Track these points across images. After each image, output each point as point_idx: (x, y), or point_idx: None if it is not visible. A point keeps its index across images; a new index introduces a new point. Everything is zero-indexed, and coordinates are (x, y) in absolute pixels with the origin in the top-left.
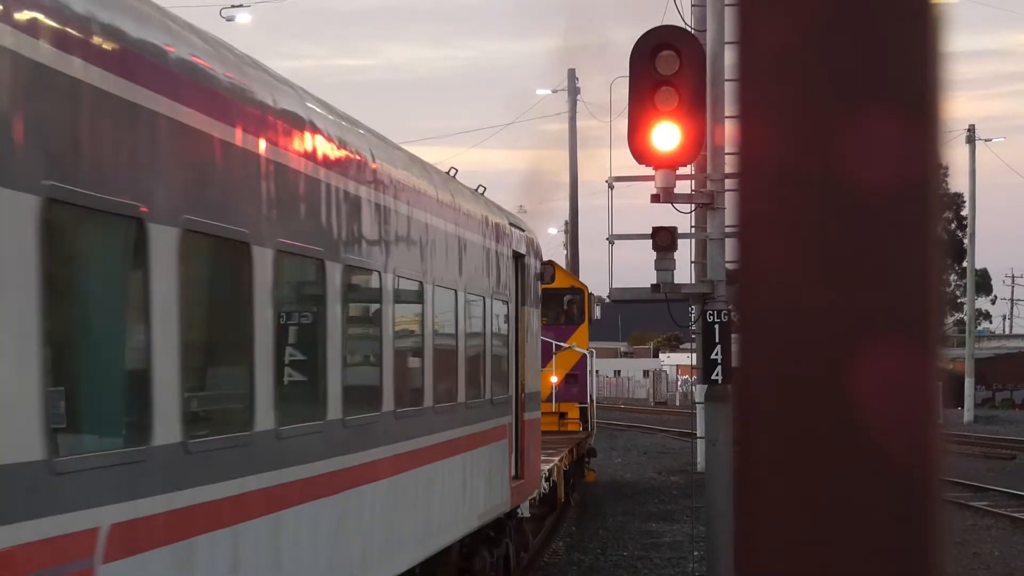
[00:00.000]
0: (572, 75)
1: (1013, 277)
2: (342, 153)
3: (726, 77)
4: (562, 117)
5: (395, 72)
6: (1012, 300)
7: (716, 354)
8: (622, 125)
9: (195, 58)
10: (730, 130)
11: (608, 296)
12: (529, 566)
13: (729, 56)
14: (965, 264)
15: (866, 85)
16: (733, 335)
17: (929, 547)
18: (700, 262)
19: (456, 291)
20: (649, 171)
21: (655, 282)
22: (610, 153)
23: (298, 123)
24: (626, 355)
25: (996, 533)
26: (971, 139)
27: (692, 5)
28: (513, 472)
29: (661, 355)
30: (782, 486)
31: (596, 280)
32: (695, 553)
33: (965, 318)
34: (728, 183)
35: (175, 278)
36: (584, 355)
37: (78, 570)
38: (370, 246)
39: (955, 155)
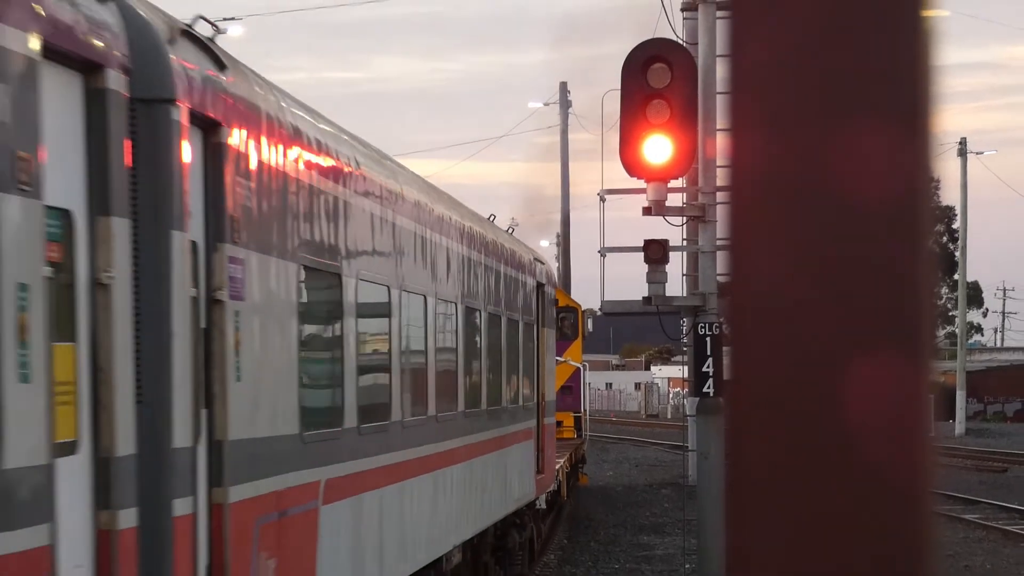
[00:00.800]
0: (564, 88)
1: (1004, 290)
2: (437, 215)
3: (718, 90)
4: (554, 130)
5: (386, 84)
6: (1004, 313)
7: (708, 367)
8: (614, 138)
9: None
10: (722, 143)
11: (600, 309)
12: (542, 551)
13: (721, 69)
14: (956, 277)
15: (857, 98)
16: (725, 348)
17: (920, 559)
18: (692, 275)
19: (500, 316)
20: (641, 184)
21: (647, 295)
22: (602, 166)
23: (416, 202)
24: (618, 368)
25: (987, 546)
26: (963, 152)
27: (684, 18)
28: (536, 468)
29: (653, 368)
30: (774, 499)
31: (588, 293)
32: (687, 566)
33: (957, 331)
34: (720, 196)
35: (390, 317)
36: (578, 368)
37: (311, 508)
38: (450, 286)
39: (946, 168)
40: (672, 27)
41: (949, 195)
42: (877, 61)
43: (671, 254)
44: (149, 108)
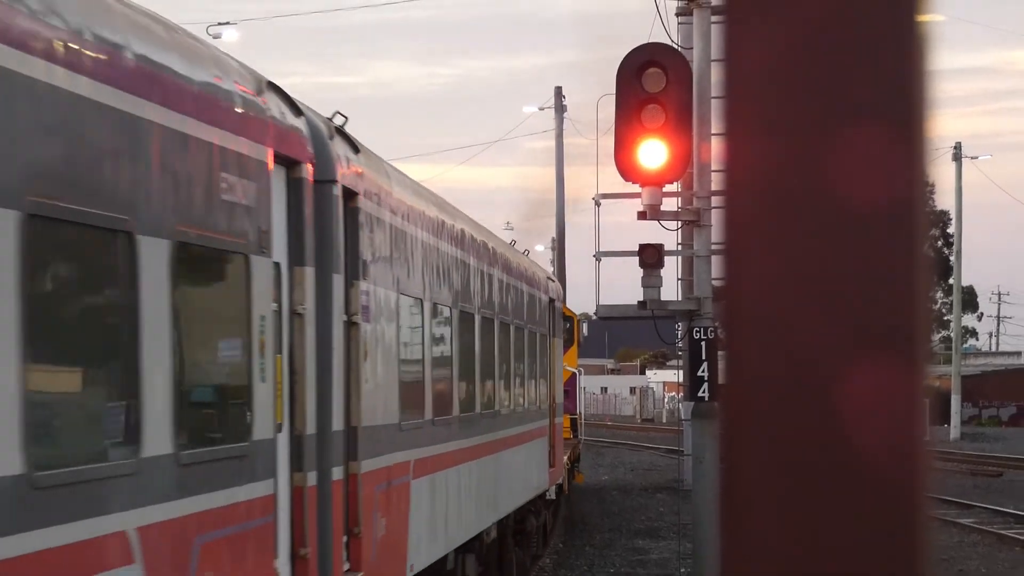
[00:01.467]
0: (559, 93)
1: (999, 294)
2: (482, 245)
3: (713, 94)
4: (549, 135)
5: (381, 89)
6: (999, 317)
7: (703, 371)
8: (609, 143)
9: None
10: (717, 147)
11: (595, 313)
12: (547, 540)
13: (716, 73)
14: (951, 281)
15: (852, 103)
16: (720, 352)
17: (915, 564)
18: (687, 279)
19: (524, 329)
20: (636, 188)
21: (642, 299)
22: (597, 170)
23: (471, 237)
24: (613, 372)
25: (982, 550)
26: (957, 157)
27: (679, 23)
28: (549, 462)
29: (648, 372)
30: (768, 503)
31: (583, 297)
32: (682, 570)
33: (952, 335)
34: (715, 200)
35: (451, 331)
36: (574, 373)
37: (406, 481)
38: (490, 305)
39: (941, 173)
40: (667, 32)
41: (944, 200)
42: (872, 65)
43: (666, 258)
44: (321, 187)
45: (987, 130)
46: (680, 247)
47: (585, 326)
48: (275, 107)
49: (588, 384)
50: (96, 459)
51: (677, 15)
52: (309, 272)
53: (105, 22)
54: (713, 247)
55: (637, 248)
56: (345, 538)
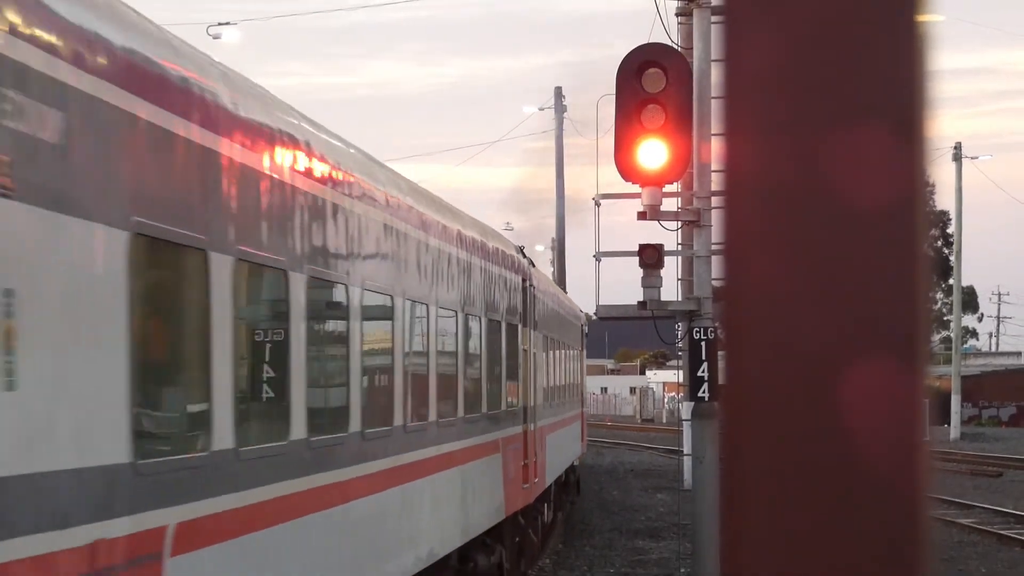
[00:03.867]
0: (559, 93)
1: (999, 295)
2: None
3: (712, 94)
4: (549, 135)
5: (380, 89)
6: (999, 318)
7: (703, 371)
8: (609, 143)
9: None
10: (717, 148)
11: (595, 313)
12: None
13: (715, 73)
14: (951, 282)
15: (852, 103)
16: (720, 352)
17: (915, 564)
18: (687, 279)
19: (561, 344)
20: (636, 188)
21: (642, 299)
22: (596, 171)
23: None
24: (613, 372)
25: (982, 550)
26: (958, 157)
27: (679, 23)
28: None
29: (648, 372)
30: (768, 503)
31: (583, 297)
32: (682, 570)
33: (952, 335)
34: (715, 200)
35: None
36: None
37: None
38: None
39: (941, 173)
40: (667, 32)
41: (944, 200)
42: (872, 66)
43: (666, 258)
44: (528, 287)
45: (987, 130)
46: (680, 247)
47: (585, 327)
48: (517, 253)
49: (588, 384)
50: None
51: (677, 15)
52: (520, 328)
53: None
54: (713, 247)
55: (637, 248)
56: (524, 462)
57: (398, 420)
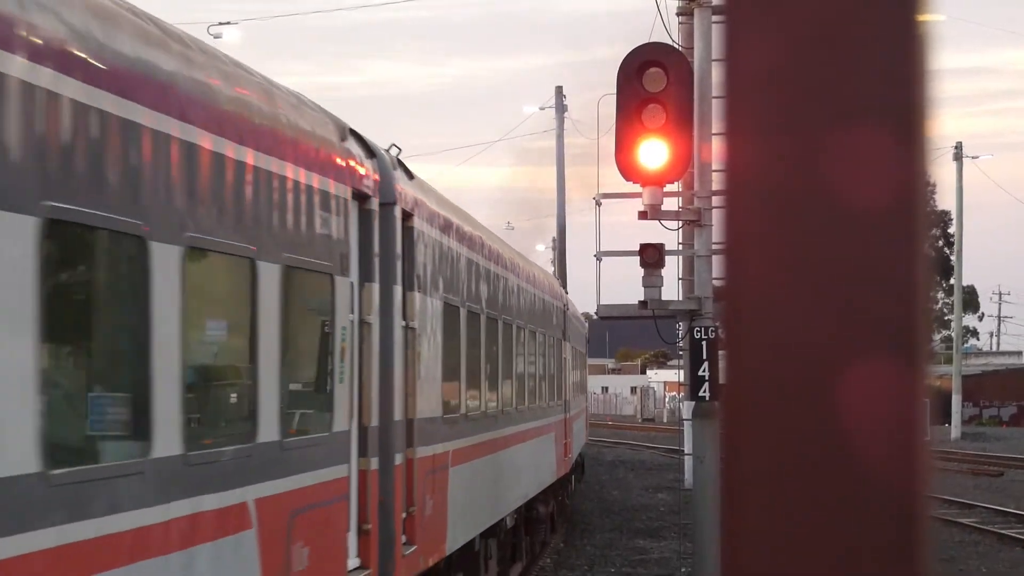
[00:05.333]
0: (559, 92)
1: (1000, 294)
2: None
3: (713, 94)
4: (550, 135)
5: (380, 89)
6: (999, 317)
7: (703, 371)
8: (609, 142)
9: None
10: (717, 147)
11: (596, 313)
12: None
13: (716, 73)
14: (952, 281)
15: (853, 102)
16: (720, 352)
17: (916, 563)
18: (687, 279)
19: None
20: (637, 188)
21: (643, 299)
22: (597, 170)
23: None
24: (614, 371)
25: (983, 549)
26: (958, 156)
27: (680, 23)
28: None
29: (649, 372)
30: (769, 503)
31: (584, 297)
32: (683, 570)
33: (953, 335)
34: (715, 200)
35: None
36: None
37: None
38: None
39: (942, 172)
40: (668, 31)
41: (945, 199)
42: (872, 65)
43: (667, 258)
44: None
45: (988, 130)
46: (681, 247)
47: (586, 327)
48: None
49: (589, 383)
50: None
51: (678, 15)
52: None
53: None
54: (714, 247)
55: (638, 248)
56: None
57: (525, 401)
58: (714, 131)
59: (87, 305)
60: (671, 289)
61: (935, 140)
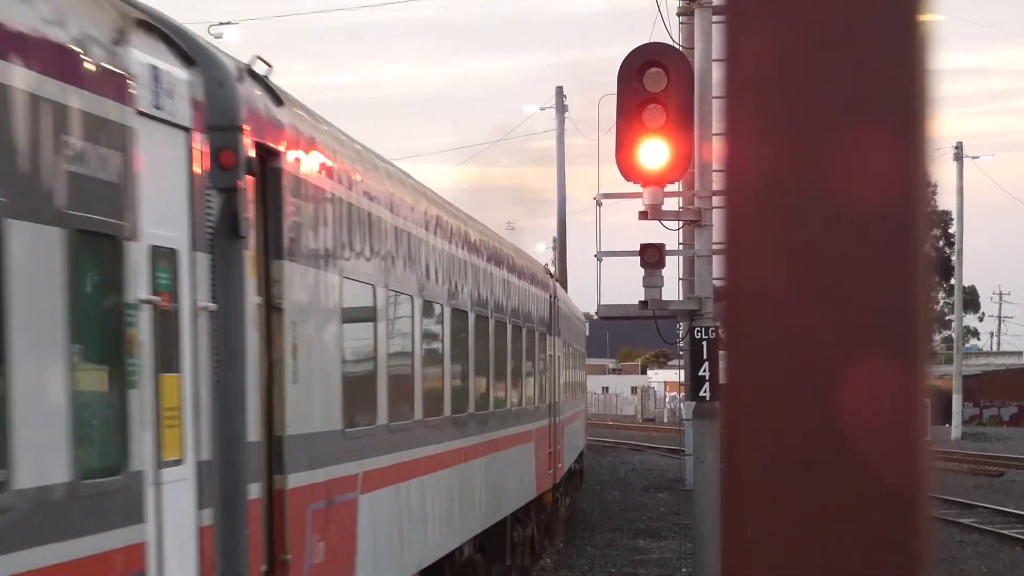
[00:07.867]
0: (560, 92)
1: (1001, 294)
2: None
3: (714, 94)
4: (550, 135)
5: (380, 89)
6: (1000, 317)
7: (704, 371)
8: (610, 142)
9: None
10: (718, 147)
11: (596, 313)
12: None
13: (717, 73)
14: (953, 281)
15: (853, 103)
16: (721, 352)
17: (916, 563)
18: (688, 279)
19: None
20: (637, 188)
21: (643, 299)
22: (598, 170)
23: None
24: (614, 372)
25: (983, 549)
26: (959, 156)
27: (680, 22)
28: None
29: (649, 372)
30: (770, 503)
31: (584, 296)
32: (683, 570)
33: (953, 335)
34: (716, 200)
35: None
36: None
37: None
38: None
39: (943, 172)
40: (668, 31)
41: (945, 200)
42: (873, 65)
43: (667, 258)
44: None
45: (989, 130)
46: (681, 247)
47: (587, 327)
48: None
49: (589, 384)
50: None
51: (678, 15)
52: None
53: None
54: (714, 247)
55: (638, 248)
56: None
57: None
58: (714, 131)
59: None
60: (671, 289)
61: (935, 140)
